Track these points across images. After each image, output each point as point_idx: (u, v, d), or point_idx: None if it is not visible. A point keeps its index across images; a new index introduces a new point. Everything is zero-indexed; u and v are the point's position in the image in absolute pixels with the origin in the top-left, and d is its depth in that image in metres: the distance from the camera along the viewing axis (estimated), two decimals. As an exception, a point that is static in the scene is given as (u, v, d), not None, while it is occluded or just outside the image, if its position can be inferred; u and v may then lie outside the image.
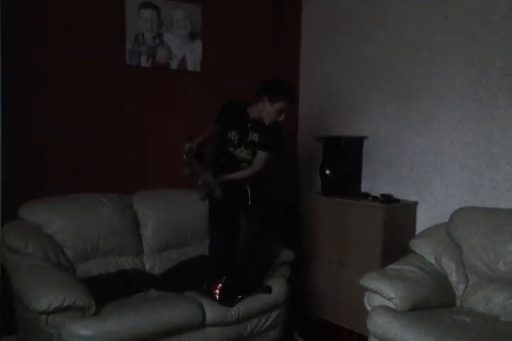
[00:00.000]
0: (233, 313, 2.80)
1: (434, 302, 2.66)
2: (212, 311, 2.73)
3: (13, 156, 2.95)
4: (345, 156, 3.70)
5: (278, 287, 3.01)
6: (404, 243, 3.09)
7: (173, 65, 3.66)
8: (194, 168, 2.85)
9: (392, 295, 2.56)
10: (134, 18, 3.44)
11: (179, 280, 2.95)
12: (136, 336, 2.46)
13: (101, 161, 3.35)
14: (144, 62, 3.51)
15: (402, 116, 3.57)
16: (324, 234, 3.63)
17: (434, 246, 2.92)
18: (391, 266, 2.84)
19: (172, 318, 2.57)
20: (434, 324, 2.43)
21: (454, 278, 2.83)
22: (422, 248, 2.94)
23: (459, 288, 2.80)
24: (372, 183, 3.73)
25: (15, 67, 2.98)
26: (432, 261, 2.88)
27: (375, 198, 3.44)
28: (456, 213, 3.02)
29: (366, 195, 3.53)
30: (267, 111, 2.89)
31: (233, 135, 2.99)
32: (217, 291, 2.79)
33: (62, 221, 2.88)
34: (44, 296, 2.31)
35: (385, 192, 3.54)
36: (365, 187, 3.76)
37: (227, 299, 2.80)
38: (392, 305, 2.58)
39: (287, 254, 3.22)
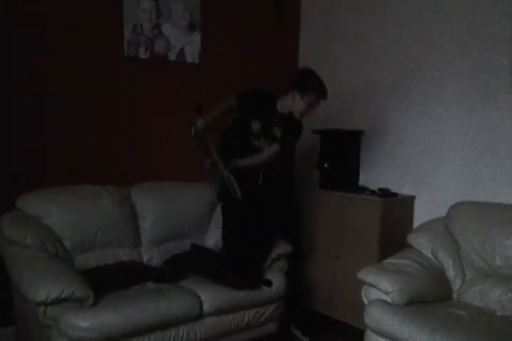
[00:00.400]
0: (230, 303, 2.81)
1: (430, 296, 2.68)
2: (209, 301, 2.74)
3: (13, 156, 2.98)
4: (343, 150, 3.70)
5: (276, 280, 3.02)
6: (401, 237, 3.11)
7: (172, 57, 3.64)
8: (208, 148, 2.80)
9: (389, 289, 2.57)
10: (133, 9, 3.41)
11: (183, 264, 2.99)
12: (134, 327, 2.47)
13: (101, 160, 3.36)
14: (143, 53, 3.49)
15: (400, 110, 3.57)
16: (322, 228, 3.63)
17: (431, 240, 2.93)
18: (388, 260, 2.85)
19: (170, 309, 2.58)
20: (431, 318, 2.45)
21: (451, 273, 2.84)
22: (419, 242, 2.95)
23: (456, 283, 2.82)
24: (370, 177, 3.74)
25: (15, 67, 3.00)
26: (429, 255, 2.89)
27: (372, 192, 3.44)
28: (454, 207, 3.03)
29: (364, 189, 3.53)
30: (296, 104, 2.86)
31: (257, 125, 2.93)
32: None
33: (61, 212, 2.87)
34: (42, 287, 2.30)
35: (383, 186, 3.54)
36: (362, 180, 3.76)
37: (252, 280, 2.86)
38: (389, 299, 2.59)
39: (285, 248, 3.22)
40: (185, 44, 3.70)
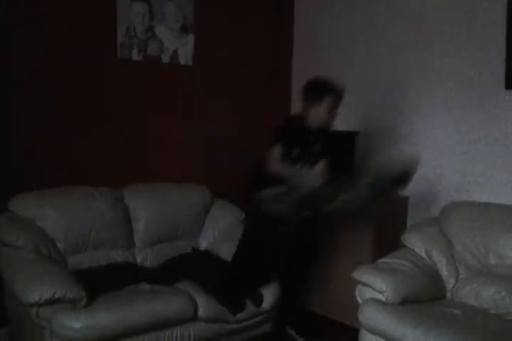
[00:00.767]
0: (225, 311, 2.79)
1: (424, 295, 2.68)
2: (204, 307, 2.72)
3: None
4: (337, 150, 3.70)
5: (268, 295, 2.97)
6: (395, 237, 3.11)
7: (165, 59, 3.64)
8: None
9: (384, 288, 2.57)
10: (126, 11, 3.41)
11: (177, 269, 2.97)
12: (128, 328, 2.46)
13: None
14: (136, 55, 3.49)
15: (394, 110, 3.58)
16: (316, 229, 3.63)
17: (425, 240, 2.94)
18: (382, 260, 2.85)
19: (164, 311, 2.57)
20: (425, 317, 2.45)
21: (444, 272, 2.85)
22: (413, 242, 2.96)
23: (450, 282, 2.82)
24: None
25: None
26: (423, 254, 2.89)
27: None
28: (447, 207, 3.04)
29: (358, 190, 3.53)
30: (318, 112, 2.85)
31: (297, 152, 2.88)
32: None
33: (54, 214, 2.86)
34: (35, 289, 2.30)
35: (377, 186, 3.54)
36: (356, 181, 3.77)
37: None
38: (383, 298, 2.59)
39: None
40: (178, 46, 3.70)
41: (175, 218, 3.28)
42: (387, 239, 3.27)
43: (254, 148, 3.62)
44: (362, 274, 2.70)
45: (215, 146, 3.87)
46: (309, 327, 3.29)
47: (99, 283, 2.63)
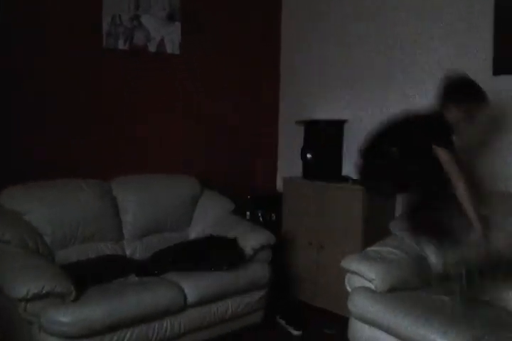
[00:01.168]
0: (213, 291, 2.82)
1: (413, 282, 2.68)
2: (192, 292, 2.74)
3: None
4: (325, 140, 3.70)
5: (260, 270, 3.02)
6: (384, 225, 3.11)
7: (151, 48, 3.60)
8: None
9: (373, 277, 2.58)
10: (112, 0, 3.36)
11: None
12: (118, 321, 2.45)
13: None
14: (121, 44, 3.45)
15: (383, 100, 3.57)
16: (305, 217, 3.63)
17: (413, 227, 2.94)
18: (371, 248, 2.85)
19: (154, 302, 2.57)
20: (413, 304, 2.46)
21: (433, 260, 2.85)
22: (402, 229, 2.96)
23: (438, 269, 2.82)
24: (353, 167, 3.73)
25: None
26: (411, 242, 2.89)
27: (355, 181, 3.44)
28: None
29: (347, 179, 3.54)
30: (455, 116, 2.64)
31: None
32: None
33: (41, 207, 2.83)
34: (22, 283, 2.29)
35: (366, 175, 3.53)
36: (345, 170, 3.76)
37: None
38: (372, 286, 2.60)
39: (269, 238, 3.21)
40: (164, 35, 3.65)
41: (164, 209, 3.27)
42: (376, 228, 3.28)
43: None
44: (351, 263, 2.70)
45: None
46: (299, 317, 3.31)
47: (88, 276, 2.63)
